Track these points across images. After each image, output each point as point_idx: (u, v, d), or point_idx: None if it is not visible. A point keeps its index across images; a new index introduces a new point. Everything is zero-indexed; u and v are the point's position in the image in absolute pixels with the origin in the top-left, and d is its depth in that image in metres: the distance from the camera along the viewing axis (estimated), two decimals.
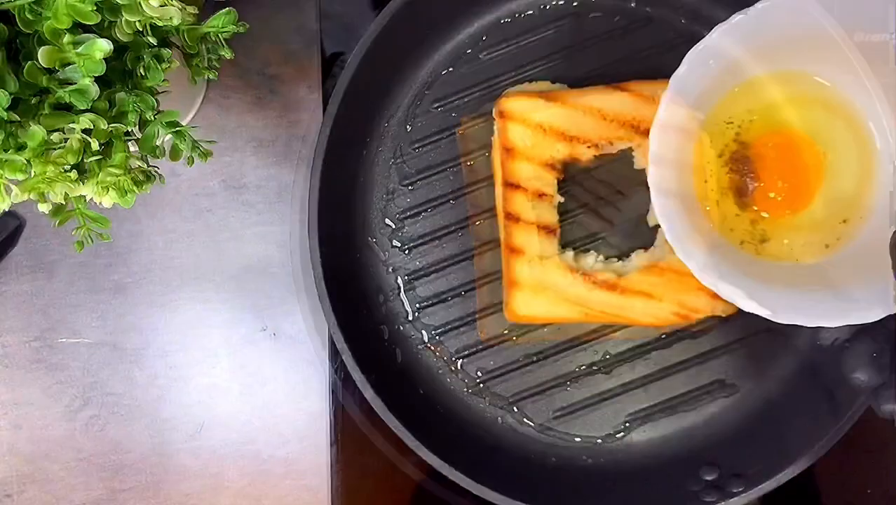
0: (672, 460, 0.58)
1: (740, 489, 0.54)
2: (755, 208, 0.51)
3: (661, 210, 0.46)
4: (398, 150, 0.60)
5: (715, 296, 0.56)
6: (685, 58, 0.46)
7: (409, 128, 0.60)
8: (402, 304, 0.60)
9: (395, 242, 0.60)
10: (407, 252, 0.60)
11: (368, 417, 0.60)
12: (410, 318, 0.60)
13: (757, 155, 0.51)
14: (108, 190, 0.43)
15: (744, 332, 0.59)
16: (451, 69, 0.60)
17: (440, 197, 0.60)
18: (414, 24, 0.57)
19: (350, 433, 0.63)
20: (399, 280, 0.60)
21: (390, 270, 0.60)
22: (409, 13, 0.55)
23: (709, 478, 0.56)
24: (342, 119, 0.55)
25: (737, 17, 0.45)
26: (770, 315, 0.46)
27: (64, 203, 0.44)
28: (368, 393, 0.55)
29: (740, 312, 0.57)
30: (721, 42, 0.46)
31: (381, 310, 0.60)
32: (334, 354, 0.62)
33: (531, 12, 0.60)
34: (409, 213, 0.60)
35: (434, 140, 0.60)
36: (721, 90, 0.50)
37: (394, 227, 0.60)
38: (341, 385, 0.62)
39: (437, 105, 0.60)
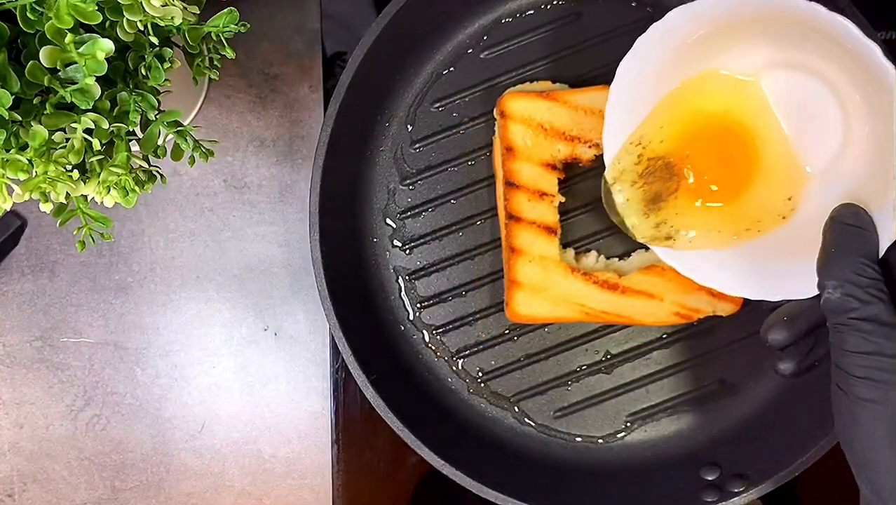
0: (673, 460, 0.58)
1: (741, 489, 0.54)
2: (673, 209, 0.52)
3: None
4: (399, 150, 0.60)
5: (716, 296, 0.57)
6: (618, 68, 0.48)
7: (409, 127, 0.60)
8: (403, 303, 0.60)
9: (396, 242, 0.60)
10: (408, 252, 0.60)
11: (369, 417, 0.60)
12: (411, 317, 0.60)
13: (682, 158, 0.51)
14: (110, 190, 0.43)
15: (745, 331, 0.59)
16: (451, 69, 0.60)
17: (441, 196, 0.60)
18: (414, 24, 0.57)
19: (351, 432, 0.63)
20: (400, 280, 0.60)
21: (391, 269, 0.60)
22: (410, 13, 0.55)
23: (709, 478, 0.56)
24: (343, 119, 0.55)
25: (658, 22, 0.46)
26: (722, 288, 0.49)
27: (66, 203, 0.44)
28: (369, 393, 0.55)
29: (741, 311, 0.57)
30: (644, 49, 0.47)
31: (382, 309, 0.60)
32: (335, 353, 0.62)
33: (532, 12, 0.60)
34: (409, 213, 0.60)
35: (435, 140, 0.60)
36: (652, 99, 0.51)
37: (394, 226, 0.60)
38: (342, 384, 0.63)
39: (437, 105, 0.60)
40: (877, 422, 0.38)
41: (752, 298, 0.49)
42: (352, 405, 0.63)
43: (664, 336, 0.59)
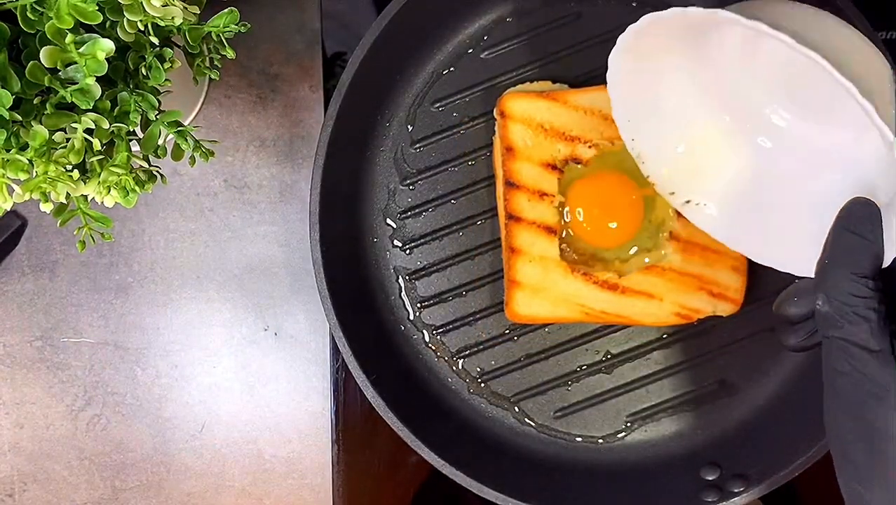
0: (673, 460, 0.58)
1: (741, 489, 0.54)
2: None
3: None
4: (399, 150, 0.60)
5: (716, 296, 0.57)
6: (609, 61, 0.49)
7: (410, 128, 0.60)
8: (404, 303, 0.60)
9: (396, 242, 0.60)
10: (408, 252, 0.60)
11: (370, 417, 0.60)
12: (411, 317, 0.60)
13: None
14: (111, 189, 0.43)
15: (745, 331, 0.59)
16: (451, 69, 0.60)
17: (441, 197, 0.60)
18: (415, 25, 0.57)
19: (352, 432, 0.63)
20: (400, 280, 0.60)
21: (391, 269, 0.60)
22: (410, 13, 0.55)
23: (710, 478, 0.56)
24: (343, 119, 0.55)
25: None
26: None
27: (66, 203, 0.44)
28: (370, 393, 0.55)
29: (741, 311, 0.57)
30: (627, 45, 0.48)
31: (382, 310, 0.60)
32: (335, 353, 0.62)
33: (532, 12, 0.60)
34: (409, 213, 0.60)
35: (435, 140, 0.60)
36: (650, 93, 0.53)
37: (395, 226, 0.60)
38: (342, 384, 0.63)
39: (438, 105, 0.60)
40: (850, 434, 0.38)
41: (780, 269, 0.48)
42: (352, 405, 0.63)
43: (664, 336, 0.59)
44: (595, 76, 0.59)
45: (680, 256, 0.56)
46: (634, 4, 0.60)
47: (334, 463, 0.63)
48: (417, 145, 0.60)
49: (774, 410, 0.58)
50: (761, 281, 0.59)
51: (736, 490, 0.54)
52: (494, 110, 0.58)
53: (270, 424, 0.64)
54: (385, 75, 0.59)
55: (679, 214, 0.56)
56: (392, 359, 0.59)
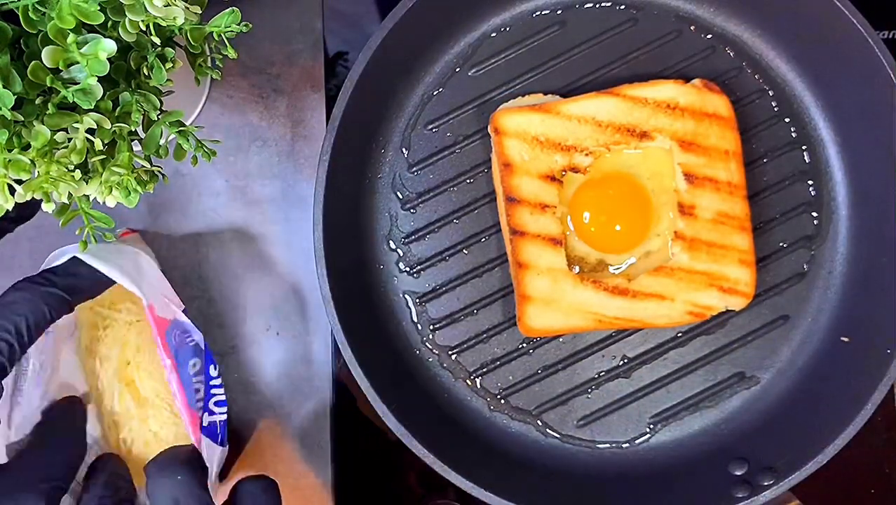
0: (700, 458, 0.58)
1: (771, 482, 0.54)
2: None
3: None
4: (397, 176, 0.60)
5: (726, 291, 0.56)
6: None
7: (405, 152, 0.60)
8: (416, 327, 0.60)
9: (403, 267, 0.60)
10: (415, 276, 0.60)
11: (370, 417, 0.60)
12: (425, 340, 0.60)
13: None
14: (112, 189, 0.43)
15: (758, 322, 0.59)
16: (441, 89, 0.60)
17: (443, 218, 0.60)
18: (401, 50, 0.57)
19: (352, 433, 0.63)
20: (410, 304, 0.60)
21: (401, 294, 0.60)
22: (397, 39, 0.55)
23: (738, 473, 0.56)
24: (339, 152, 0.55)
25: None
26: None
27: (68, 203, 0.44)
28: (391, 423, 0.54)
29: (753, 303, 0.57)
30: None
31: (395, 336, 0.60)
32: (336, 353, 0.62)
33: (516, 25, 0.60)
34: (413, 237, 0.60)
35: (432, 161, 0.60)
36: None
37: (400, 252, 0.60)
38: (343, 384, 0.62)
39: (431, 126, 0.60)
40: None
41: None
42: (352, 405, 0.62)
43: (679, 335, 0.59)
44: (585, 83, 0.59)
45: (687, 255, 0.56)
46: (619, 8, 0.59)
47: (334, 463, 0.62)
48: (414, 169, 0.60)
49: (797, 399, 0.58)
50: (770, 272, 0.59)
51: (766, 483, 0.54)
52: (489, 127, 0.58)
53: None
54: (376, 104, 0.59)
55: (682, 213, 0.56)
56: (410, 385, 0.59)
